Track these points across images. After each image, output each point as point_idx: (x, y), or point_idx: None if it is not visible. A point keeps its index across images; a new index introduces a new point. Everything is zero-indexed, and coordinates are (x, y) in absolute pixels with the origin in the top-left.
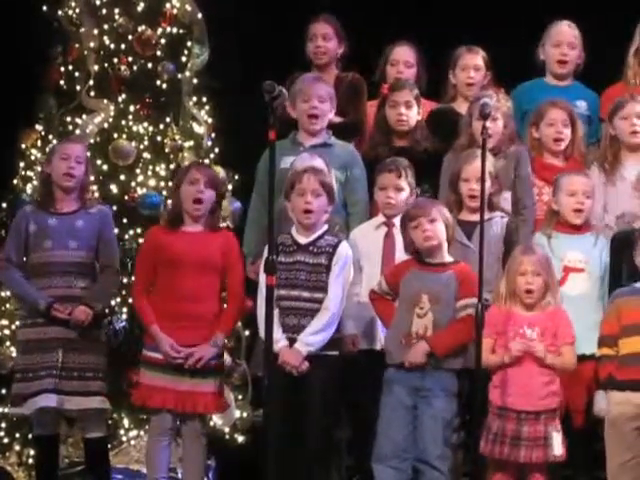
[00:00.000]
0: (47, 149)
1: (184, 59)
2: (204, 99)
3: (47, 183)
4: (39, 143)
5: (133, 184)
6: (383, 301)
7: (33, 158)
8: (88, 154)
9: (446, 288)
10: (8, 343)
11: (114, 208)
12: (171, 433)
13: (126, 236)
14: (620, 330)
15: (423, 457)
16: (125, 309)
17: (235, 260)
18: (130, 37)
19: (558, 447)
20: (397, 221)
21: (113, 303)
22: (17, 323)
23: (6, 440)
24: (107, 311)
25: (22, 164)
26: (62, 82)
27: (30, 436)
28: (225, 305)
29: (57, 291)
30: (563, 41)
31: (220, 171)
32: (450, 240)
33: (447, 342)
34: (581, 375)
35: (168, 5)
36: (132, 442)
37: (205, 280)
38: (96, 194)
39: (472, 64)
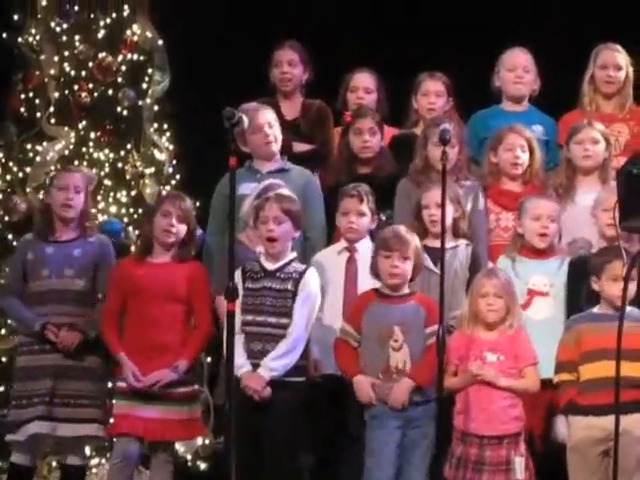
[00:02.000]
0: (7, 177)
1: (145, 86)
2: (165, 126)
3: (47, 213)
4: None
5: (94, 211)
6: (346, 347)
7: None
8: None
9: (416, 318)
10: None
11: None
12: (134, 461)
13: None
14: (580, 356)
15: None
16: None
17: (201, 289)
18: (90, 64)
19: (521, 471)
20: (359, 246)
21: None
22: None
23: None
24: None
25: None
26: (22, 109)
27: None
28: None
29: (54, 318)
30: (518, 65)
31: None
32: (413, 278)
33: (428, 372)
34: (544, 399)
35: (129, 32)
36: (94, 470)
37: (170, 310)
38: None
39: (434, 90)
